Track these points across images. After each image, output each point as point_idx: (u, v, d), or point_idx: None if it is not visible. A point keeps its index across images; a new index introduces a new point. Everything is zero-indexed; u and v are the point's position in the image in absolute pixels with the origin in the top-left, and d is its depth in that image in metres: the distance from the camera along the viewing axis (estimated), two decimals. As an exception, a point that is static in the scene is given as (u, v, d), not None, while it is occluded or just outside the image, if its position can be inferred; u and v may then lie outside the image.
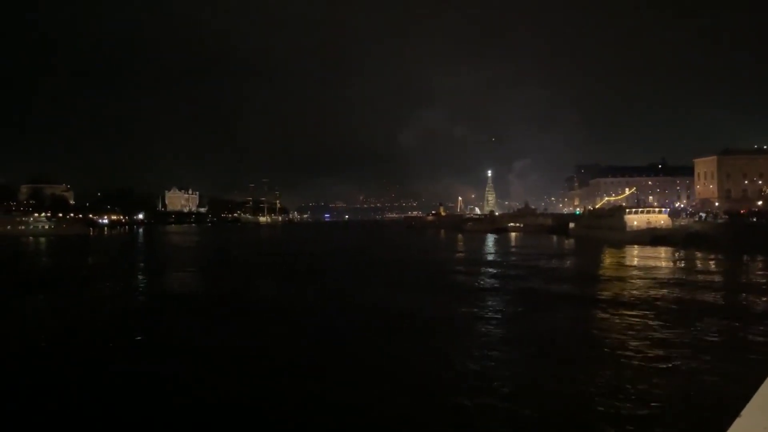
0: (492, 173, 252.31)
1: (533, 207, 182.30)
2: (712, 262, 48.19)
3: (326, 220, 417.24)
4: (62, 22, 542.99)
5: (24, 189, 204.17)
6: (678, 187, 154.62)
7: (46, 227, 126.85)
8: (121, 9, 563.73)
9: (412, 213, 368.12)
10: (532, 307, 25.97)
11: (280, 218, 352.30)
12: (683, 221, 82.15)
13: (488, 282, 36.60)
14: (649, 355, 16.57)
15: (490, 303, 27.41)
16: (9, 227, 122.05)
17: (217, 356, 17.56)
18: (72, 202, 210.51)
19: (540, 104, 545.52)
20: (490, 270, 44.65)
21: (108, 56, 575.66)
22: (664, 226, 76.41)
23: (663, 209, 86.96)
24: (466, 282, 36.62)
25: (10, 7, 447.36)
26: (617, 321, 21.91)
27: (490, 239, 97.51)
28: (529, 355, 17.30)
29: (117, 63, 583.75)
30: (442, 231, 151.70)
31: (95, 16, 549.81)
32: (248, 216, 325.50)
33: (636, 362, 15.80)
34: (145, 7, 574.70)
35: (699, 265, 46.67)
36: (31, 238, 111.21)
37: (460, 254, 67.15)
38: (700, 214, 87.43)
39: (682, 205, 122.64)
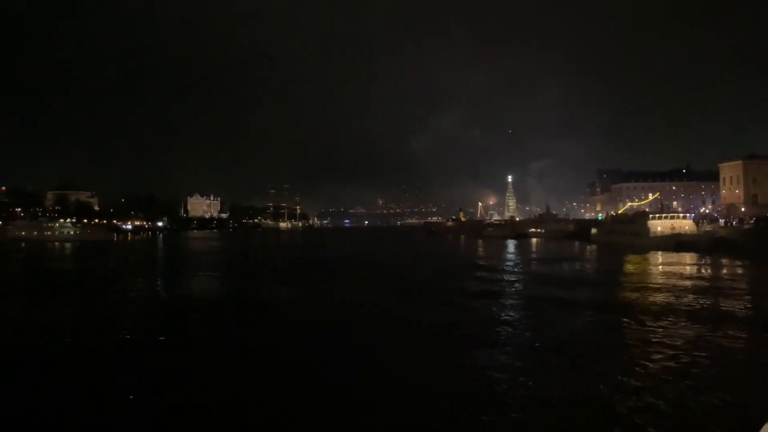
0: (512, 179, 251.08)
1: (554, 212, 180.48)
2: (739, 269, 47.18)
3: (346, 225, 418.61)
4: (85, 31, 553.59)
5: (50, 195, 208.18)
6: (703, 193, 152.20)
7: (72, 233, 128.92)
8: (142, 17, 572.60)
9: (431, 219, 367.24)
10: (553, 315, 25.66)
11: (300, 224, 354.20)
12: (708, 227, 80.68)
13: (508, 289, 36.28)
14: (671, 363, 16.28)
15: (507, 310, 27.15)
16: (36, 233, 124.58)
17: (230, 359, 17.77)
18: (96, 208, 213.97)
19: (560, 107, 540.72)
20: (511, 278, 44.31)
21: (130, 64, 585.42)
22: (688, 232, 75.16)
23: (687, 215, 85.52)
24: (488, 289, 36.30)
25: (35, 17, 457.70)
26: (640, 328, 21.55)
27: (511, 245, 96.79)
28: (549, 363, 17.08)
29: (139, 71, 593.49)
30: (462, 237, 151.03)
31: (116, 25, 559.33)
32: (269, 222, 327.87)
33: (658, 371, 15.51)
34: (165, 16, 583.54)
35: (725, 272, 45.74)
36: (57, 243, 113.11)
37: (481, 261, 66.68)
38: (728, 220, 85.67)
39: (707, 211, 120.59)
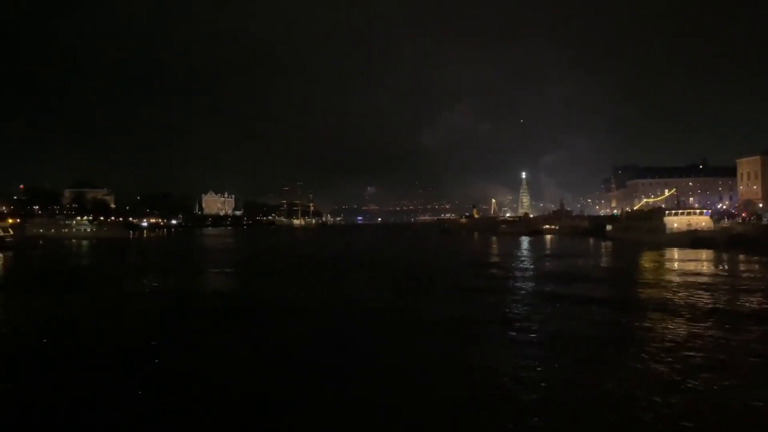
0: (526, 175, 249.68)
1: (569, 209, 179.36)
2: (757, 265, 46.60)
3: (359, 222, 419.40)
4: (96, 30, 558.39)
5: (67, 193, 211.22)
6: (720, 188, 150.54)
7: (88, 230, 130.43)
8: (153, 16, 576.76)
9: (445, 215, 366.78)
10: (565, 312, 25.49)
11: (313, 221, 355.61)
12: (726, 223, 79.79)
13: (521, 286, 36.11)
14: (682, 363, 16.16)
15: (520, 308, 27.00)
16: (53, 230, 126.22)
17: (230, 358, 17.86)
18: (113, 205, 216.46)
19: (574, 102, 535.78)
20: (524, 275, 44.14)
21: (144, 62, 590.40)
22: (705, 228, 74.36)
23: (704, 211, 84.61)
24: (500, 286, 36.19)
25: (48, 14, 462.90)
26: (653, 326, 21.31)
27: (525, 242, 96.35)
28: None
29: (153, 69, 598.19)
30: (476, 234, 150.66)
31: (127, 23, 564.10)
32: (282, 219, 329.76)
33: (670, 371, 15.38)
34: (175, 15, 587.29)
35: (743, 269, 45.21)
36: (74, 240, 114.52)
37: (494, 258, 66.50)
38: (747, 216, 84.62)
39: (724, 207, 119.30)
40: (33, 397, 13.95)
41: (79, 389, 14.43)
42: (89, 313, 26.99)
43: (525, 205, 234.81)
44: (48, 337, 20.92)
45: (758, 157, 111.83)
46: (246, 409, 13.11)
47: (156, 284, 39.08)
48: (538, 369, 15.73)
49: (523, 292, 32.51)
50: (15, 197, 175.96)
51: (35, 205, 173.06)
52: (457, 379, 15.15)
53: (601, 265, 54.07)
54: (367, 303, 29.03)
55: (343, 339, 20.26)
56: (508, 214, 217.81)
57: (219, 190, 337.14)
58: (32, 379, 15.59)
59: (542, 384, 14.33)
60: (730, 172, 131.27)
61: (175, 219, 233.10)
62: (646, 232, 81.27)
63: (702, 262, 50.40)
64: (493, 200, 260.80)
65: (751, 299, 27.86)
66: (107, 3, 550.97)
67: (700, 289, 31.10)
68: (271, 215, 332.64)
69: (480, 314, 24.68)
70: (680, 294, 29.61)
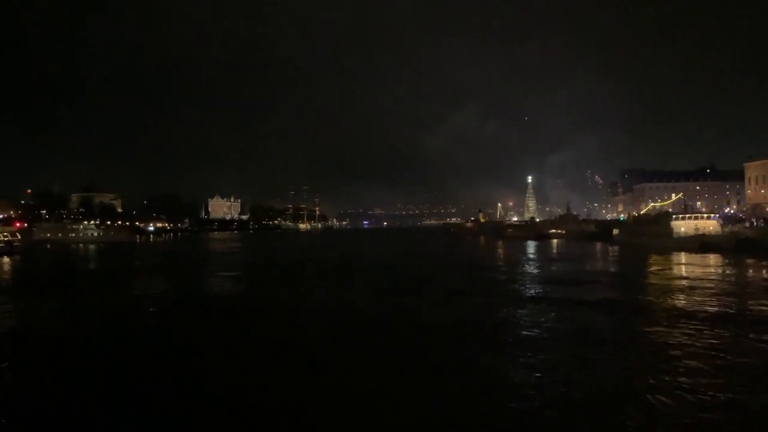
0: (532, 179, 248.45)
1: (575, 213, 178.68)
2: (764, 270, 46.25)
3: (365, 226, 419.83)
4: (104, 34, 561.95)
5: (75, 197, 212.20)
6: (727, 192, 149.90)
7: (96, 234, 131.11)
8: (159, 19, 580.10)
9: (450, 219, 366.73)
10: (570, 317, 25.36)
11: (319, 225, 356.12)
12: (734, 227, 79.30)
13: (528, 291, 35.96)
14: (688, 367, 16.01)
15: (527, 312, 26.87)
16: (61, 234, 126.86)
17: (226, 359, 17.77)
18: (120, 210, 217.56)
19: (582, 105, 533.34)
20: (531, 279, 43.98)
21: (150, 67, 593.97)
22: (713, 233, 73.94)
23: (712, 215, 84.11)
24: (507, 290, 36.06)
25: (59, 22, 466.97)
26: (660, 330, 21.13)
27: (531, 246, 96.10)
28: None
29: (159, 73, 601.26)
30: (482, 238, 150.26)
31: (133, 27, 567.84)
32: (288, 223, 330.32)
33: (676, 375, 15.24)
34: (182, 18, 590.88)
35: (751, 273, 44.85)
36: (81, 244, 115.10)
37: (500, 262, 66.30)
38: (755, 220, 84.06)
39: (731, 211, 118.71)
40: (32, 399, 14.00)
41: (80, 389, 14.50)
42: (93, 316, 27.17)
43: (531, 210, 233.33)
44: (51, 340, 21.04)
45: (766, 161, 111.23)
46: (244, 410, 13.09)
47: (158, 288, 39.27)
48: (535, 368, 15.76)
49: (527, 295, 32.39)
50: (23, 201, 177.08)
51: (43, 210, 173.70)
52: (455, 379, 15.13)
53: (607, 269, 53.75)
54: (367, 306, 29.05)
55: (343, 341, 20.26)
56: (514, 219, 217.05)
57: (225, 194, 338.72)
58: (32, 380, 15.65)
59: (539, 386, 14.26)
60: (738, 176, 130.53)
61: (181, 223, 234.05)
62: (653, 236, 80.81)
63: (709, 266, 50.02)
64: (499, 204, 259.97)
65: (759, 304, 27.60)
66: (113, 7, 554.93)
67: (705, 294, 30.88)
68: (277, 219, 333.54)
69: (483, 317, 24.65)
70: (684, 299, 29.42)
